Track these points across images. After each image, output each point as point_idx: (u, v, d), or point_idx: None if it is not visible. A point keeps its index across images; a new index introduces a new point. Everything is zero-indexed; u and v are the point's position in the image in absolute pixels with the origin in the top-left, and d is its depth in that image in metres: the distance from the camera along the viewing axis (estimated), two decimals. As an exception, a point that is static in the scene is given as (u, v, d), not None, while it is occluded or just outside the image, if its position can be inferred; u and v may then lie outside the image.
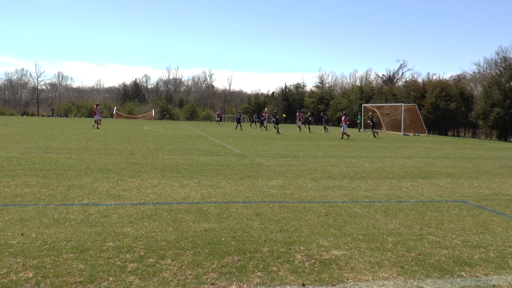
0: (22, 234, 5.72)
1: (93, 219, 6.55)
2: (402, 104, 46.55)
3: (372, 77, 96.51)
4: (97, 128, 36.07)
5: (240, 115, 45.21)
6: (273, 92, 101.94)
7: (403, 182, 11.05)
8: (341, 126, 33.03)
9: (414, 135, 43.69)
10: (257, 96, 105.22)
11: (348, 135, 31.73)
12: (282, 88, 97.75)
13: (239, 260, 4.90)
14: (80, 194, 8.40)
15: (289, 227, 6.38)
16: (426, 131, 46.72)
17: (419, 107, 48.57)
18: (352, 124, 66.64)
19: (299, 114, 46.49)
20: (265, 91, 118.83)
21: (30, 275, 4.36)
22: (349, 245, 5.61)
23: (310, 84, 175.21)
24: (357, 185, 10.34)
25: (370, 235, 6.12)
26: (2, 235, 5.65)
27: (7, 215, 6.65)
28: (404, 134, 43.35)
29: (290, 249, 5.36)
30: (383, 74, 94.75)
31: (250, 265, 4.76)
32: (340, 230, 6.34)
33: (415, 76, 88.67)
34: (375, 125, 37.48)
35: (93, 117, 40.71)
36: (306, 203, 8.09)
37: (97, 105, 40.07)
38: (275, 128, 40.47)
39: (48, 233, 5.80)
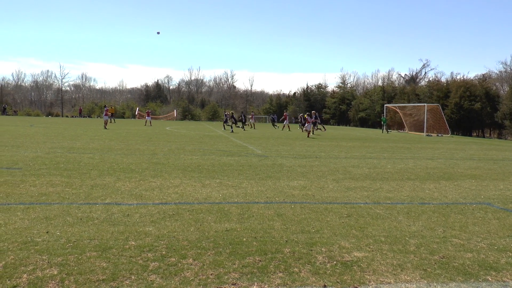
0: (47, 232, 5.83)
1: (115, 218, 6.64)
2: (425, 104, 45.99)
3: (395, 77, 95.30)
4: (105, 128, 36.04)
5: (227, 115, 44.65)
6: (294, 93, 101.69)
7: (426, 183, 10.91)
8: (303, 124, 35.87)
9: (437, 135, 43.11)
10: (278, 96, 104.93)
11: (309, 132, 32.44)
12: (303, 89, 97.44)
13: (260, 261, 4.91)
14: (103, 193, 8.51)
15: (311, 228, 6.36)
16: (450, 131, 46.06)
17: (442, 107, 47.89)
18: (375, 124, 66.09)
19: (285, 114, 49.72)
20: (286, 92, 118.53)
21: (55, 272, 4.45)
22: (371, 247, 5.57)
23: (332, 84, 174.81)
24: (379, 186, 10.25)
25: (392, 237, 6.06)
26: (28, 233, 5.77)
27: (33, 213, 6.78)
28: (427, 135, 42.80)
29: (311, 250, 5.34)
30: (405, 74, 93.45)
31: (271, 266, 4.76)
32: (362, 231, 6.29)
33: (439, 75, 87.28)
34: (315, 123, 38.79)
35: (109, 118, 40.96)
36: (328, 204, 8.05)
37: (105, 106, 40.71)
38: (242, 127, 42.70)
39: (72, 232, 5.90)
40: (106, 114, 38.03)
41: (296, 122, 59.87)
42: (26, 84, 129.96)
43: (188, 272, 4.53)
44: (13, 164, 12.12)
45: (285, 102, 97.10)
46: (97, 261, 4.79)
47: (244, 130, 39.87)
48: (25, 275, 4.36)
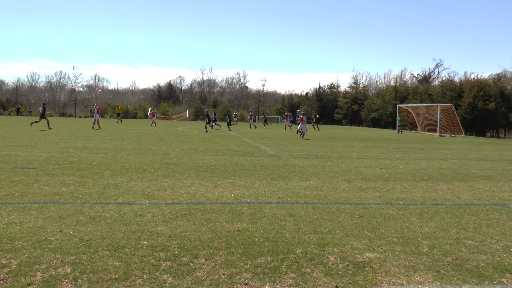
0: (60, 231, 5.89)
1: (128, 218, 6.68)
2: (438, 104, 45.63)
3: (407, 76, 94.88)
4: (97, 128, 35.27)
5: (215, 114, 43.84)
6: (307, 93, 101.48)
7: (439, 184, 10.83)
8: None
9: (450, 136, 42.76)
10: (290, 96, 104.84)
11: (303, 133, 30.22)
12: (316, 89, 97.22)
13: (272, 261, 4.90)
14: (115, 193, 8.57)
15: (323, 229, 6.34)
16: (463, 132, 45.65)
17: (455, 107, 47.49)
18: (387, 124, 65.73)
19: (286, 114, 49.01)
20: (298, 92, 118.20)
21: (68, 271, 4.49)
22: (383, 248, 5.54)
23: (344, 84, 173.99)
24: (391, 187, 10.19)
25: (405, 238, 6.02)
26: (42, 232, 5.83)
27: (47, 213, 6.85)
28: (440, 135, 42.47)
29: (323, 250, 5.33)
30: (418, 74, 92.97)
31: (283, 266, 4.76)
32: (374, 232, 6.26)
33: (452, 75, 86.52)
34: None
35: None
36: (340, 205, 8.03)
37: (94, 104, 39.94)
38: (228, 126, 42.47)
39: (85, 231, 5.95)
40: (97, 113, 37.02)
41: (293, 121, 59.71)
42: (40, 85, 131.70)
43: (200, 272, 4.54)
44: (28, 164, 12.25)
45: (297, 102, 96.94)
46: (110, 260, 4.82)
47: (230, 130, 39.37)
48: (39, 273, 4.41)
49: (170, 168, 12.13)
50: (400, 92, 69.21)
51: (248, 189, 9.36)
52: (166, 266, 4.69)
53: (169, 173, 11.20)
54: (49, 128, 30.62)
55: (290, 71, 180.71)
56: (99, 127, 35.74)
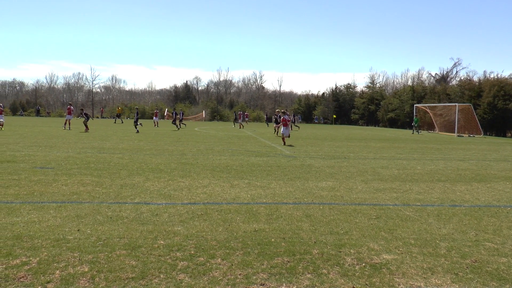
0: (78, 230, 5.96)
1: (144, 218, 6.72)
2: (456, 104, 45.10)
3: (425, 76, 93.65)
4: (69, 129, 33.25)
5: (181, 113, 42.73)
6: (323, 93, 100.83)
7: (457, 185, 10.70)
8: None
9: (469, 136, 42.24)
10: (307, 97, 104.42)
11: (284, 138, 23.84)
12: (332, 89, 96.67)
13: (288, 262, 4.90)
14: (132, 193, 8.63)
15: (339, 230, 6.31)
16: (482, 132, 45.04)
17: (474, 107, 46.86)
18: (404, 125, 65.19)
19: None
20: (315, 92, 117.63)
21: (86, 269, 4.54)
22: (400, 249, 5.49)
23: (361, 84, 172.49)
24: (408, 187, 10.10)
25: (422, 239, 5.96)
26: (60, 231, 5.91)
27: (65, 212, 6.94)
28: (458, 135, 41.99)
29: (340, 251, 5.30)
30: (436, 73, 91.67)
31: (299, 267, 4.74)
32: (391, 233, 6.21)
33: (471, 74, 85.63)
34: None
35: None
36: (357, 206, 7.98)
37: (70, 104, 38.43)
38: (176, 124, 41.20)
39: (102, 230, 6.01)
40: (69, 113, 34.86)
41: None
42: (59, 86, 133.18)
43: (216, 272, 4.55)
44: (46, 164, 12.41)
45: (313, 103, 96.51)
46: (127, 259, 4.86)
47: (178, 129, 38.61)
48: (57, 272, 4.47)
49: (186, 168, 12.19)
50: (418, 92, 68.55)
51: (264, 189, 9.35)
52: (182, 265, 4.71)
53: (186, 173, 11.25)
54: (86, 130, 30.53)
55: (307, 71, 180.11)
56: (69, 128, 33.87)
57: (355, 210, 7.58)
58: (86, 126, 30.82)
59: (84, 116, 31.65)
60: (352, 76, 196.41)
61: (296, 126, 47.36)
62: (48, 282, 4.23)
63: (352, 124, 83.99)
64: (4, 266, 4.60)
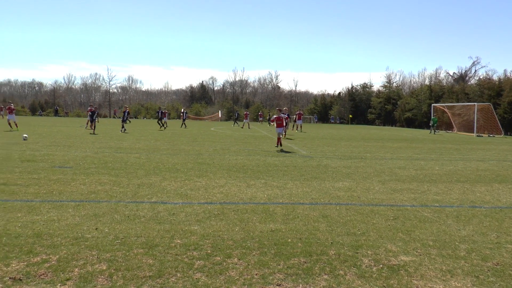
0: (96, 229, 6.02)
1: (161, 217, 6.76)
2: (475, 103, 44.52)
3: (442, 75, 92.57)
4: (87, 129, 31.79)
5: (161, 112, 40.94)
6: (339, 93, 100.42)
7: (476, 186, 10.56)
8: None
9: (489, 136, 41.64)
10: (323, 96, 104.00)
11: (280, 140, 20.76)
12: (348, 88, 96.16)
13: (305, 262, 4.88)
14: (149, 192, 8.68)
15: (356, 230, 6.27)
16: (503, 132, 44.38)
17: (494, 106, 46.22)
18: (421, 124, 64.59)
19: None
20: (331, 92, 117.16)
21: (104, 267, 4.60)
22: (419, 251, 5.43)
23: (377, 83, 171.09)
24: (426, 188, 9.99)
25: (441, 241, 5.89)
26: (79, 229, 5.98)
27: (83, 211, 7.01)
28: (477, 135, 41.41)
29: (357, 252, 5.27)
30: (454, 72, 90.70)
31: (316, 268, 4.72)
32: (409, 235, 6.15)
33: (490, 73, 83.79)
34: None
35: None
36: (374, 206, 7.92)
37: (10, 102, 37.02)
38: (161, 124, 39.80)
39: (120, 229, 6.06)
40: (10, 113, 30.48)
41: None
42: (76, 87, 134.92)
43: (233, 272, 4.55)
44: (65, 163, 12.55)
45: (329, 102, 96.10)
46: (144, 258, 4.90)
47: (161, 129, 37.10)
48: (76, 269, 4.53)
49: (203, 168, 12.22)
50: (435, 91, 67.90)
51: (281, 189, 9.34)
52: (199, 265, 4.73)
53: (202, 173, 11.29)
54: (92, 130, 29.66)
55: (322, 71, 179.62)
56: (91, 128, 31.60)
57: (372, 211, 7.52)
58: (124, 126, 31.45)
59: (125, 116, 31.94)
60: (369, 75, 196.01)
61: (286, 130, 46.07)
62: (68, 279, 4.29)
63: (369, 124, 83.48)
64: (26, 263, 4.69)
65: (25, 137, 17.88)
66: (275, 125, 20.83)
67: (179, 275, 4.45)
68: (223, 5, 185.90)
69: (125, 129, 30.76)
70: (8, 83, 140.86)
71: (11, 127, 28.74)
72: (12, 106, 30.46)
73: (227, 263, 4.79)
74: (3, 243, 5.37)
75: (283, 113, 26.52)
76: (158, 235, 5.82)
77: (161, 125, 38.93)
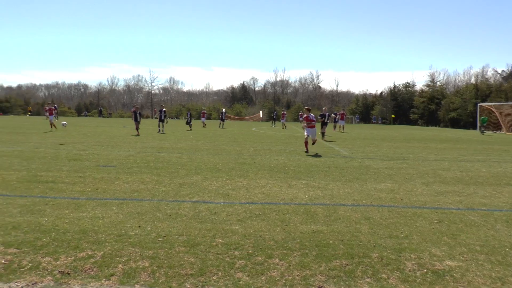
0: (139, 227, 6.15)
1: (203, 216, 6.82)
2: (526, 103, 42.86)
3: (490, 73, 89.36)
4: (54, 129, 30.23)
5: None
6: (381, 92, 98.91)
7: (526, 189, 10.15)
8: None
9: (539, 138, 40.06)
10: (364, 96, 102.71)
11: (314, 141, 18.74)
12: (390, 88, 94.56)
13: (347, 264, 4.82)
14: (190, 191, 8.78)
15: (399, 233, 6.14)
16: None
17: (546, 106, 44.38)
18: (467, 125, 62.76)
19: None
20: (373, 91, 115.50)
21: (147, 264, 4.69)
22: (465, 256, 5.27)
23: (420, 82, 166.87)
24: (472, 191, 9.69)
25: (490, 246, 5.69)
26: (122, 227, 6.12)
27: (126, 208, 7.17)
28: (526, 137, 39.91)
29: (400, 256, 5.16)
30: (502, 70, 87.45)
31: (358, 270, 4.66)
32: (454, 239, 5.97)
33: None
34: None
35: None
36: (417, 209, 7.74)
37: (49, 103, 37.85)
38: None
39: (162, 227, 6.17)
40: (50, 114, 31.51)
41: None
42: (119, 88, 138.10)
43: (274, 272, 4.55)
44: (109, 162, 12.87)
45: (371, 102, 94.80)
46: (186, 256, 4.96)
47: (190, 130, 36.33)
48: (120, 265, 4.65)
49: (244, 168, 12.27)
50: (482, 90, 65.93)
51: (322, 190, 9.27)
52: (240, 264, 4.74)
53: (243, 173, 11.33)
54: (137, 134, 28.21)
55: (364, 70, 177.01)
56: (55, 128, 31.03)
57: (416, 214, 7.36)
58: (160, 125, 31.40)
59: (162, 116, 31.70)
60: (411, 74, 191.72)
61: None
62: (112, 275, 4.40)
63: (411, 124, 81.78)
64: (73, 258, 4.86)
65: (65, 123, 18.09)
66: (305, 124, 18.27)
67: (220, 274, 4.48)
68: (264, 5, 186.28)
69: (162, 130, 31.03)
70: (56, 85, 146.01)
71: (52, 127, 29.69)
72: (52, 108, 31.39)
73: (269, 264, 4.79)
74: (52, 238, 5.58)
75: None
76: (200, 234, 5.87)
77: (190, 126, 37.08)
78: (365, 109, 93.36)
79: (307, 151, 17.42)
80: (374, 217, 7.04)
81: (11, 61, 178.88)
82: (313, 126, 18.15)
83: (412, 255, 5.20)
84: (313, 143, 18.60)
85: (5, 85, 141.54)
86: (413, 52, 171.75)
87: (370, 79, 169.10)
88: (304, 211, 7.32)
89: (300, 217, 6.91)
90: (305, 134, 17.98)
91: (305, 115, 18.43)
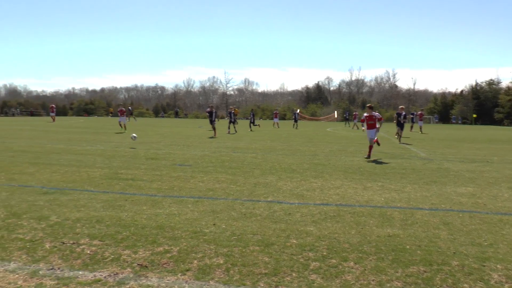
0: (214, 224, 6.27)
1: (277, 216, 6.83)
2: None
3: None
4: (123, 130, 30.66)
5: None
6: (461, 91, 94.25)
7: None
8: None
9: None
10: (443, 95, 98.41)
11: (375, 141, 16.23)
12: (472, 86, 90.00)
13: (425, 271, 4.62)
14: (265, 191, 8.83)
15: (482, 241, 5.81)
16: None
17: None
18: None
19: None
20: (452, 90, 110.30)
21: (221, 262, 4.78)
22: (559, 267, 4.88)
23: (506, 79, 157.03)
24: None
25: None
26: (197, 224, 6.27)
27: (202, 207, 7.33)
28: None
29: (484, 265, 4.87)
30: None
31: (437, 278, 4.45)
32: (546, 249, 5.55)
33: None
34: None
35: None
36: (503, 215, 7.29)
37: (120, 104, 38.38)
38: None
39: (236, 226, 6.24)
40: (121, 115, 32.24)
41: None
42: (195, 90, 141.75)
43: (349, 276, 4.46)
44: (185, 161, 13.24)
45: (451, 101, 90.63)
46: (260, 256, 4.99)
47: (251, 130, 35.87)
48: (195, 261, 4.78)
49: (319, 169, 12.17)
50: None
51: (398, 193, 8.99)
52: (314, 266, 4.70)
53: (318, 174, 11.24)
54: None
55: (443, 68, 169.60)
56: (123, 128, 31.38)
57: (501, 221, 6.92)
58: (230, 127, 31.78)
59: (232, 117, 32.12)
60: (496, 71, 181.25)
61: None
62: (187, 270, 4.52)
63: (495, 124, 77.37)
64: (150, 252, 5.05)
65: (134, 136, 18.61)
66: (365, 127, 16.19)
67: (294, 274, 4.45)
68: (338, 4, 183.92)
69: (234, 130, 31.41)
70: (135, 88, 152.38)
71: (122, 128, 30.68)
72: (123, 109, 32.61)
73: (343, 267, 4.70)
74: (132, 232, 5.82)
75: (399, 112, 24.73)
76: (274, 234, 5.88)
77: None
78: (444, 108, 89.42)
79: (368, 157, 15.41)
80: (454, 222, 6.71)
81: (93, 66, 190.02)
82: (374, 126, 15.86)
83: (498, 266, 4.88)
84: (378, 143, 16.32)
85: (90, 88, 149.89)
86: (497, 47, 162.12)
87: (450, 77, 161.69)
88: (380, 214, 7.13)
89: (376, 220, 6.74)
90: (368, 136, 15.89)
91: (366, 114, 16.23)
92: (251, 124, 37.74)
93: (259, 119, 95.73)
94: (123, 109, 32.84)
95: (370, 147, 15.77)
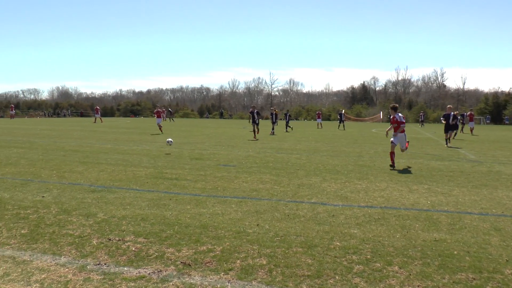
0: (257, 225, 6.28)
1: (321, 218, 6.77)
2: None
3: None
4: (159, 132, 30.04)
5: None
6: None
7: None
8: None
9: None
10: (495, 94, 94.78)
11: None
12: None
13: (474, 279, 4.46)
14: (309, 192, 8.77)
15: (538, 249, 5.55)
16: None
17: None
18: None
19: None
20: (505, 89, 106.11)
21: (264, 262, 4.78)
22: None
23: None
24: None
25: None
26: (241, 224, 6.30)
27: (245, 207, 7.35)
28: None
29: (540, 274, 4.64)
30: None
31: (488, 287, 4.28)
32: None
33: None
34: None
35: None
36: (559, 222, 6.95)
37: (157, 106, 38.03)
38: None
39: (280, 226, 6.23)
40: (158, 117, 32.22)
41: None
42: (240, 91, 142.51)
43: (393, 280, 4.36)
44: (229, 162, 13.33)
45: (503, 101, 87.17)
46: (303, 257, 4.96)
47: (287, 131, 34.83)
48: (238, 261, 4.80)
49: (363, 171, 12.00)
50: None
51: (446, 196, 8.73)
52: (358, 269, 4.62)
53: (363, 176, 11.08)
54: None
55: (494, 66, 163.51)
56: (161, 132, 30.46)
57: (558, 227, 6.61)
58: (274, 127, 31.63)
59: (273, 118, 32.12)
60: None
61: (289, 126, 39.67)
62: (230, 269, 4.55)
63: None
64: (193, 251, 5.11)
65: (170, 141, 17.89)
66: (392, 130, 14.12)
67: (337, 277, 4.40)
68: (385, 2, 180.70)
69: (273, 132, 31.17)
70: (180, 89, 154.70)
71: (161, 130, 30.40)
72: (160, 110, 33.00)
73: (387, 271, 4.60)
74: (176, 231, 5.91)
75: (446, 113, 23.50)
76: (317, 235, 5.83)
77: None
78: (495, 108, 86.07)
79: (392, 165, 13.18)
80: (506, 228, 6.45)
81: (139, 68, 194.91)
82: (403, 131, 13.89)
83: (554, 275, 4.65)
84: (402, 151, 14.65)
85: (137, 90, 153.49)
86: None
87: (502, 76, 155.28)
88: (426, 217, 6.94)
89: (422, 223, 6.56)
90: (392, 141, 13.73)
91: (391, 116, 14.25)
92: (287, 126, 37.50)
93: (303, 120, 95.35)
94: (160, 110, 33.32)
95: (391, 154, 13.54)
